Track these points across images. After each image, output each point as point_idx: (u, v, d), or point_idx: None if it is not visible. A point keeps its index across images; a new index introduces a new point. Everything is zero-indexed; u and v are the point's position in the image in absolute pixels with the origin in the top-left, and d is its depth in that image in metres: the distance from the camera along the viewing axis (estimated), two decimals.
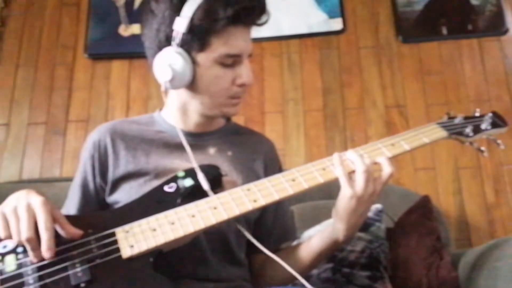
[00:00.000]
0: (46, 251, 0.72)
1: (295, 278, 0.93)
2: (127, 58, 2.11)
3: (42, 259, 0.73)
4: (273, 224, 1.06)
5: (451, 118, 1.03)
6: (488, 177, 1.84)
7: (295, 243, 1.08)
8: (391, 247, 1.36)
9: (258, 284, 1.01)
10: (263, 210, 1.03)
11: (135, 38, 2.10)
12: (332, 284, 1.24)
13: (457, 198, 1.83)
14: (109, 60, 2.13)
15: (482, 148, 1.01)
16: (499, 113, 1.06)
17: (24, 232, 0.70)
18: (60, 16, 2.20)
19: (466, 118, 1.03)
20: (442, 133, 0.98)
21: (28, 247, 0.72)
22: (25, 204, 0.72)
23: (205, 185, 0.86)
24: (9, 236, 0.72)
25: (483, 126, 1.03)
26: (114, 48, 2.12)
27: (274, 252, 0.94)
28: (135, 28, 2.12)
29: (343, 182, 0.84)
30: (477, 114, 1.05)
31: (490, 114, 1.05)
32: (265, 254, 0.97)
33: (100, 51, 2.12)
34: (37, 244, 0.72)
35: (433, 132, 0.98)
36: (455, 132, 1.00)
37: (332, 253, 0.97)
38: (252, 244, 0.99)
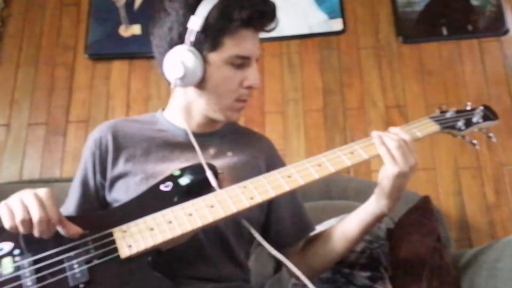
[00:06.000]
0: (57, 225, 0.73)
1: (335, 260, 1.03)
2: (127, 58, 2.11)
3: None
4: (292, 218, 1.08)
5: (443, 112, 1.04)
6: (488, 177, 1.84)
7: (313, 233, 1.10)
8: (391, 247, 1.35)
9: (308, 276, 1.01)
10: (277, 207, 1.06)
11: (135, 38, 2.10)
12: (332, 285, 1.24)
13: (457, 199, 1.83)
14: (109, 61, 2.13)
15: (474, 141, 1.02)
16: (490, 106, 1.07)
17: (36, 223, 0.71)
18: (60, 16, 2.21)
19: (458, 112, 1.04)
20: (435, 127, 0.99)
21: (40, 229, 0.72)
22: (31, 193, 0.73)
23: (213, 181, 0.87)
24: (15, 227, 0.72)
25: (474, 120, 1.03)
26: (114, 49, 2.12)
27: (296, 245, 1.05)
28: (135, 29, 2.12)
29: (387, 160, 0.87)
30: (468, 108, 1.06)
31: (481, 108, 1.06)
32: (295, 245, 1.06)
33: (100, 52, 2.13)
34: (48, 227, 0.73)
35: (426, 127, 0.98)
36: (447, 126, 1.01)
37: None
38: (276, 242, 1.03)
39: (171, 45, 0.93)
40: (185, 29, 0.92)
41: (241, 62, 0.95)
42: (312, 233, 1.11)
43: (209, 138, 1.04)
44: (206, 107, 0.99)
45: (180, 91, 1.01)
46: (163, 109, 1.10)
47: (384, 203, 0.93)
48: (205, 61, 0.93)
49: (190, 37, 0.91)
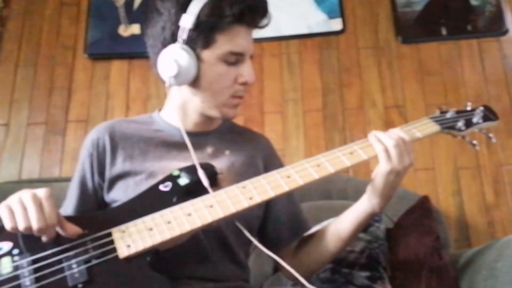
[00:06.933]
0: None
1: (329, 259, 1.02)
2: (126, 58, 2.11)
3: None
4: (288, 218, 1.08)
5: (443, 112, 1.03)
6: (487, 177, 1.84)
7: (309, 232, 1.10)
8: (390, 247, 1.36)
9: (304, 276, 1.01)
10: (273, 206, 1.05)
11: (135, 38, 2.11)
12: (332, 285, 1.24)
13: (456, 199, 1.83)
14: (109, 60, 2.13)
15: (474, 141, 1.02)
16: (490, 107, 1.07)
17: (35, 223, 0.71)
18: (60, 16, 2.21)
19: (458, 112, 1.04)
20: (435, 127, 0.99)
21: (39, 231, 0.73)
22: (30, 194, 0.73)
23: (205, 181, 0.86)
24: (15, 227, 0.72)
25: (474, 120, 1.03)
26: (114, 48, 2.12)
27: (292, 244, 1.04)
28: (135, 28, 2.12)
29: (382, 157, 0.87)
30: (468, 108, 1.06)
31: (482, 108, 1.05)
32: (291, 244, 1.05)
33: (99, 51, 2.13)
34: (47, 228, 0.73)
35: (426, 127, 0.98)
36: (447, 126, 1.01)
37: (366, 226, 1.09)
38: (272, 240, 1.04)
39: (165, 44, 0.93)
40: (177, 27, 0.92)
41: (235, 59, 0.95)
42: (307, 233, 1.11)
43: (207, 137, 1.04)
44: (201, 105, 0.98)
45: (175, 90, 1.01)
46: (160, 110, 1.10)
47: (375, 201, 0.93)
48: (198, 58, 0.93)
49: (183, 35, 0.91)
